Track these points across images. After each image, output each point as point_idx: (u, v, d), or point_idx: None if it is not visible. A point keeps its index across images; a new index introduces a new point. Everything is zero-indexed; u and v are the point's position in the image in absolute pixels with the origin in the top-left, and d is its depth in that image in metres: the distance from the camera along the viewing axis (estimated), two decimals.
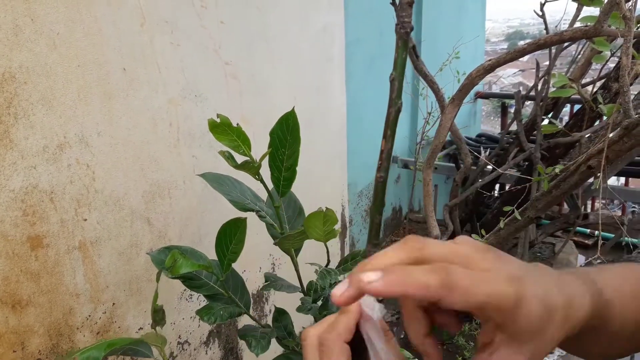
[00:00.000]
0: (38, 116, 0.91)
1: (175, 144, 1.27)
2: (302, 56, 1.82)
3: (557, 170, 1.00)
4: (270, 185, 1.01)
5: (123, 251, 1.15)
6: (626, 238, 2.39)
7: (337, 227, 0.87)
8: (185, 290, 1.37)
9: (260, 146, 1.50)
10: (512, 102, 4.34)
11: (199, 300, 1.40)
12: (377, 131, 2.38)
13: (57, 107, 0.94)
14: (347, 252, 2.55)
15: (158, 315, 0.83)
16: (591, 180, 1.97)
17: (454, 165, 2.96)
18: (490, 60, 1.31)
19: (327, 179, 2.17)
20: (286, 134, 1.00)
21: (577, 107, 2.83)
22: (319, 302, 0.97)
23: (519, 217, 1.06)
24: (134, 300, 1.19)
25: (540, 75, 1.83)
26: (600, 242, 0.97)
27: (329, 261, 0.99)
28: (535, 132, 2.12)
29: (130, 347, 0.79)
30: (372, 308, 0.41)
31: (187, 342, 1.39)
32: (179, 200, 1.30)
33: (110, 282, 1.13)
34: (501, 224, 1.12)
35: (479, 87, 4.26)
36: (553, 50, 1.86)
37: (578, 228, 3.07)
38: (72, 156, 0.99)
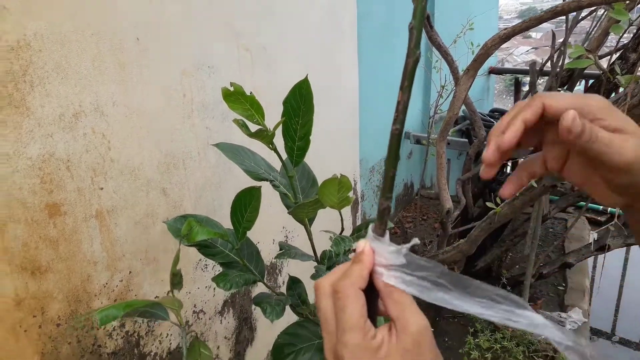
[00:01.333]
0: (54, 84, 0.91)
1: (189, 115, 1.27)
2: (313, 29, 1.80)
3: None
4: (284, 155, 1.01)
5: (139, 220, 1.16)
6: None
7: (351, 194, 0.87)
8: (200, 260, 1.38)
9: (271, 119, 1.50)
10: (525, 78, 4.29)
11: (214, 270, 1.42)
12: (389, 108, 2.40)
13: (72, 76, 0.95)
14: (359, 223, 2.56)
15: (176, 279, 0.85)
16: None
17: (466, 140, 2.94)
18: (506, 29, 1.30)
19: (339, 154, 2.17)
20: (299, 103, 1.00)
21: (591, 82, 2.79)
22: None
23: (535, 185, 1.06)
24: (150, 269, 1.21)
25: (555, 48, 1.80)
26: (617, 212, 0.96)
27: (343, 229, 1.00)
28: None
29: (147, 309, 0.81)
30: (386, 257, 0.41)
31: (202, 311, 1.41)
32: (194, 171, 1.31)
33: (127, 250, 1.14)
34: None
35: (492, 63, 4.22)
36: (569, 24, 1.83)
37: (590, 205, 3.05)
38: (88, 125, 1.00)
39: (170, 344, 1.32)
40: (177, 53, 1.21)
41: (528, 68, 2.28)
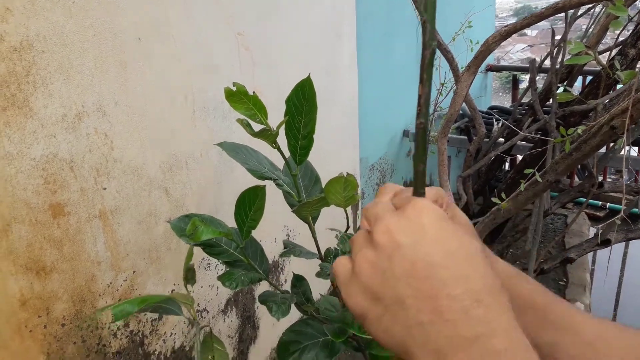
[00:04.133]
0: (56, 85, 0.91)
1: (191, 116, 1.27)
2: (313, 30, 1.80)
3: (579, 131, 0.99)
4: (287, 154, 1.01)
5: (142, 220, 1.16)
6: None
7: (357, 193, 0.87)
8: (203, 259, 1.38)
9: (272, 118, 1.50)
10: (522, 76, 4.29)
11: (217, 269, 1.42)
12: (388, 108, 2.38)
13: (75, 76, 0.95)
14: (359, 224, 2.56)
15: (189, 274, 0.85)
16: (604, 150, 1.95)
17: (466, 137, 2.94)
18: (507, 26, 1.30)
19: (339, 153, 2.17)
20: (302, 102, 1.00)
21: (589, 79, 2.80)
22: None
23: (540, 180, 1.06)
24: (154, 268, 1.21)
25: (555, 44, 1.80)
26: (624, 206, 0.96)
27: (348, 226, 1.00)
28: (548, 103, 2.10)
29: (160, 304, 0.81)
30: None
31: (206, 310, 1.42)
32: (196, 172, 1.31)
33: (130, 250, 1.15)
34: (522, 187, 1.11)
35: (489, 61, 4.22)
36: (568, 20, 1.83)
37: (590, 201, 3.07)
38: (91, 125, 1.00)
39: (175, 342, 1.32)
40: (179, 53, 1.21)
41: (525, 65, 2.28)
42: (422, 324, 0.34)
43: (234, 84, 0.94)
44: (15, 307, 0.92)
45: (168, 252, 1.26)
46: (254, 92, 0.94)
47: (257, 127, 0.93)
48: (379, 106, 2.55)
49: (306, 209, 1.00)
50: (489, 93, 4.41)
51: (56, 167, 0.94)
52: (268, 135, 0.94)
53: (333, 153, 2.08)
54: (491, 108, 3.25)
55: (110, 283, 1.11)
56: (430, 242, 0.35)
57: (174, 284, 1.29)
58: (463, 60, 1.83)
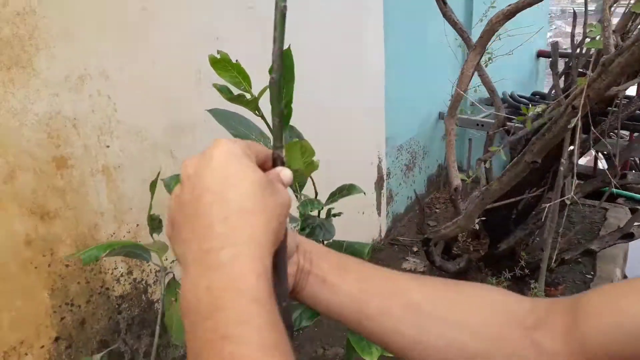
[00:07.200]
0: (58, 48, 1.01)
1: (197, 84, 1.35)
2: (333, 3, 1.83)
3: (538, 110, 0.99)
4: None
5: (146, 179, 1.25)
6: None
7: (316, 159, 0.92)
8: None
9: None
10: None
11: None
12: (419, 89, 2.33)
13: (77, 41, 1.04)
14: (383, 203, 2.59)
15: (154, 223, 0.93)
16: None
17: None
18: (509, 5, 1.29)
19: (362, 131, 2.20)
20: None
21: None
22: (307, 230, 1.03)
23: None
24: None
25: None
26: None
27: (316, 193, 1.05)
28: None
29: (130, 250, 0.89)
30: None
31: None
32: (202, 136, 1.39)
33: (134, 205, 1.25)
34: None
35: (542, 46, 4.06)
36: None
37: (626, 193, 2.95)
38: (93, 87, 1.09)
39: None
40: (185, 22, 1.28)
41: (552, 43, 2.19)
42: (185, 241, 0.40)
43: (218, 51, 1.00)
44: (20, 245, 1.04)
45: None
46: (237, 61, 1.01)
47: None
48: (409, 85, 2.54)
49: (299, 176, 1.06)
50: (541, 79, 4.26)
51: (59, 124, 1.05)
52: (245, 101, 1.00)
53: (355, 131, 2.12)
54: (534, 94, 3.16)
55: (114, 233, 1.21)
56: (210, 170, 0.40)
57: None
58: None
